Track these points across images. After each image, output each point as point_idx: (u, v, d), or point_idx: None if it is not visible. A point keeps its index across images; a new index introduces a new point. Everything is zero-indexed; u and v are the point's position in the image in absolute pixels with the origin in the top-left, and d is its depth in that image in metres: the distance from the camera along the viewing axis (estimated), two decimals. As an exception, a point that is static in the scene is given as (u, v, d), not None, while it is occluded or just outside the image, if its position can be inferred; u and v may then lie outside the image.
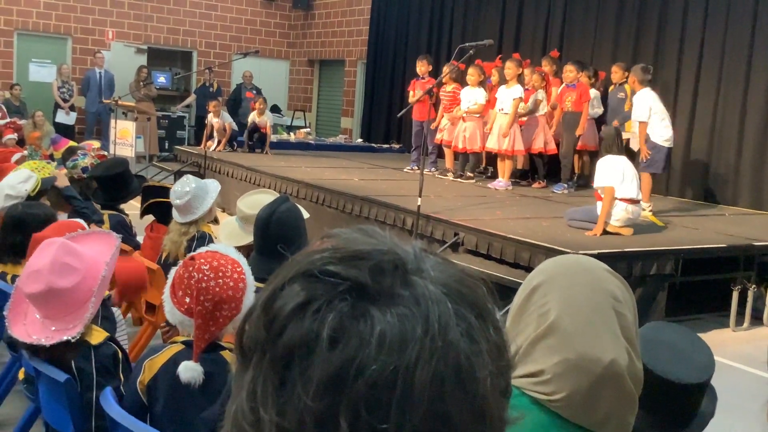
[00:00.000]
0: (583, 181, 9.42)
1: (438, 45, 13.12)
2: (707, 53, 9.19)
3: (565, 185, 9.03)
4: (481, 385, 0.58)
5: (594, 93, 9.31)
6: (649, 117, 7.38)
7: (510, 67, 8.95)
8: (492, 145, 9.04)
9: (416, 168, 10.21)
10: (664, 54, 9.63)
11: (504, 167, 9.19)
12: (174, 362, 2.22)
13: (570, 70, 8.87)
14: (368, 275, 0.59)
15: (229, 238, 3.50)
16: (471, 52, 7.77)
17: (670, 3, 9.60)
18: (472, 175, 9.70)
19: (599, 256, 1.32)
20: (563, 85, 9.01)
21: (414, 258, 0.62)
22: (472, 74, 9.22)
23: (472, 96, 9.24)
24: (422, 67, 10.02)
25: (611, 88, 9.28)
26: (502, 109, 8.91)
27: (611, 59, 10.23)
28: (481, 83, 9.28)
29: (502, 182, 9.11)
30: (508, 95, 8.86)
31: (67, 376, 2.45)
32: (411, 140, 10.72)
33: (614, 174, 6.23)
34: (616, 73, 9.03)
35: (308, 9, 17.14)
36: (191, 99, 15.28)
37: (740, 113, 8.79)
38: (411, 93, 10.06)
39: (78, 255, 2.61)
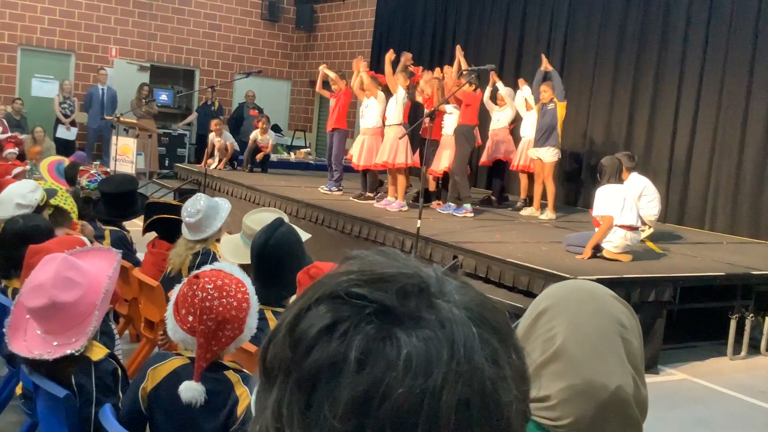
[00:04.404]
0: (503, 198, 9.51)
1: (440, 67, 13.19)
2: (707, 80, 9.24)
3: (467, 206, 8.37)
4: (506, 410, 0.59)
5: (507, 91, 9.17)
6: (639, 198, 7.19)
7: (399, 78, 8.54)
8: (378, 159, 8.53)
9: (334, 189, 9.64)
10: (664, 79, 9.69)
11: (394, 185, 8.60)
12: (177, 375, 2.22)
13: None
14: (394, 298, 0.59)
15: (234, 255, 3.50)
16: (473, 76, 7.84)
17: (671, 26, 9.67)
18: (372, 195, 9.07)
19: (599, 283, 1.33)
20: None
21: (436, 281, 0.63)
22: (367, 87, 8.81)
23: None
24: (336, 84, 9.70)
25: (537, 107, 8.77)
26: (386, 120, 8.51)
27: (612, 81, 10.32)
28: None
29: (395, 203, 8.49)
30: (394, 105, 8.42)
31: (66, 391, 2.44)
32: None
33: (615, 202, 6.25)
34: (546, 92, 8.57)
35: (311, 30, 17.27)
36: (192, 117, 15.35)
37: (739, 141, 8.84)
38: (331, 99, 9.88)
39: (80, 269, 2.61)
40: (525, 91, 9.18)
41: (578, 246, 6.54)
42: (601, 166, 6.65)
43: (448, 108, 8.54)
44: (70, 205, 4.56)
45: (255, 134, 11.79)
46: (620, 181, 6.57)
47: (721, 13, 9.09)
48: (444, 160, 8.68)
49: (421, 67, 9.88)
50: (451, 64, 9.29)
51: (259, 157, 11.77)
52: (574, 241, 6.70)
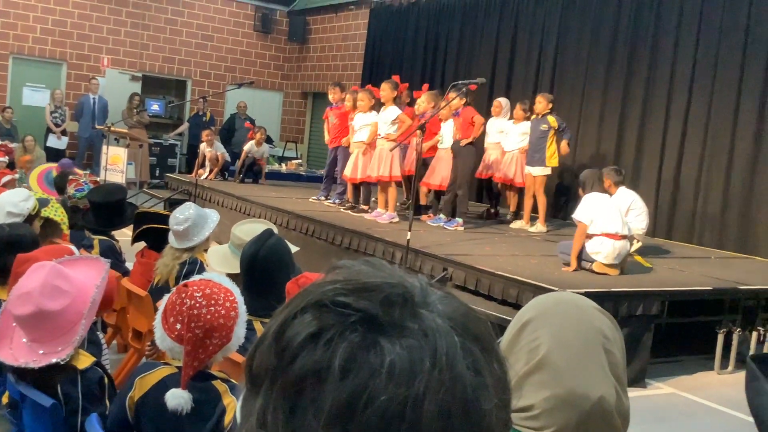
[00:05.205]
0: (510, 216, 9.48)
1: (431, 80, 13.25)
2: (695, 97, 9.32)
3: (459, 220, 8.38)
4: (486, 418, 0.60)
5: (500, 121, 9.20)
6: (627, 212, 7.16)
7: (385, 89, 8.51)
8: (372, 172, 8.51)
9: (323, 198, 9.87)
10: (653, 95, 9.77)
11: (385, 196, 8.61)
12: (165, 384, 2.22)
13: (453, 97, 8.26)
14: (379, 307, 0.60)
15: (222, 265, 3.50)
16: (464, 89, 7.88)
17: (660, 44, 9.76)
18: (365, 207, 9.02)
19: (586, 296, 1.35)
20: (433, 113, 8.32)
21: (421, 291, 0.64)
22: (362, 99, 8.73)
23: (364, 121, 8.76)
24: (334, 94, 9.71)
25: (532, 118, 8.81)
26: (379, 135, 8.50)
27: (602, 97, 10.40)
28: (372, 107, 8.76)
29: (385, 214, 8.48)
30: (385, 118, 8.45)
31: (53, 401, 2.43)
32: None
33: (593, 210, 6.29)
34: (540, 103, 8.61)
35: (303, 42, 17.33)
36: (184, 127, 15.35)
37: (727, 157, 8.90)
38: (326, 121, 9.88)
39: (68, 278, 2.61)
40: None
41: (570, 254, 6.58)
42: (581, 179, 6.73)
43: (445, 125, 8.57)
44: (60, 215, 4.54)
45: (249, 146, 11.75)
46: (602, 190, 6.62)
47: (710, 30, 9.18)
48: (441, 173, 8.65)
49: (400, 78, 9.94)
50: (442, 76, 9.31)
51: (262, 165, 11.81)
52: (567, 249, 6.71)
